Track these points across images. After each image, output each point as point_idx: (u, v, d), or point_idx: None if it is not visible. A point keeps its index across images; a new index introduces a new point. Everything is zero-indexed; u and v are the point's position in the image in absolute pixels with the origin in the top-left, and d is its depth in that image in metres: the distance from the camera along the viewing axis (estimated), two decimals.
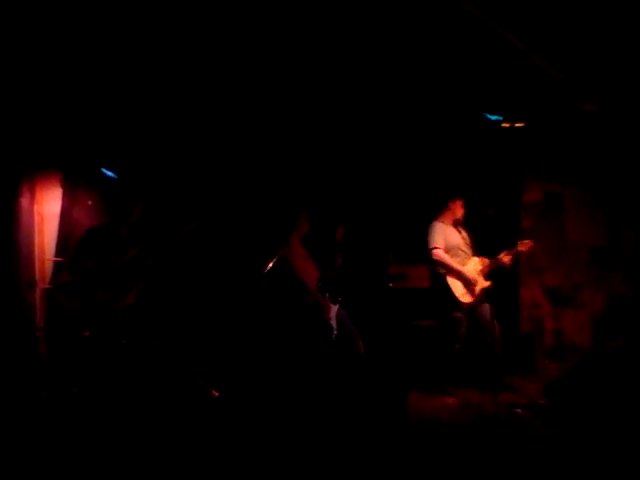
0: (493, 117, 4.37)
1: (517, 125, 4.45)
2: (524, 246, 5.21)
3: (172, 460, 3.57)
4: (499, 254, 5.18)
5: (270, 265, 5.32)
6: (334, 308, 5.15)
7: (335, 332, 5.08)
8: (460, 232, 5.33)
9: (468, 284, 5.12)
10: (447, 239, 5.22)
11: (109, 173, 5.20)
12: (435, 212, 5.43)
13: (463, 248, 5.28)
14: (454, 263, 5.15)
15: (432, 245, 5.20)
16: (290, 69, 5.25)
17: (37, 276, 5.33)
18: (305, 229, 5.32)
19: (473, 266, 5.22)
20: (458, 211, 5.32)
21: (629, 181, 5.67)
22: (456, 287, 5.12)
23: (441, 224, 5.27)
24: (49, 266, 5.22)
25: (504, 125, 4.44)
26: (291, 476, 3.33)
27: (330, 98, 5.65)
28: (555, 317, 6.28)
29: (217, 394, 4.76)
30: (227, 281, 5.91)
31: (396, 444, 3.82)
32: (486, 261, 5.21)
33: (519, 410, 4.55)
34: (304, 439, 3.90)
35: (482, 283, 5.17)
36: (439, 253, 5.17)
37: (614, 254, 5.95)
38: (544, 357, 6.08)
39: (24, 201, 5.37)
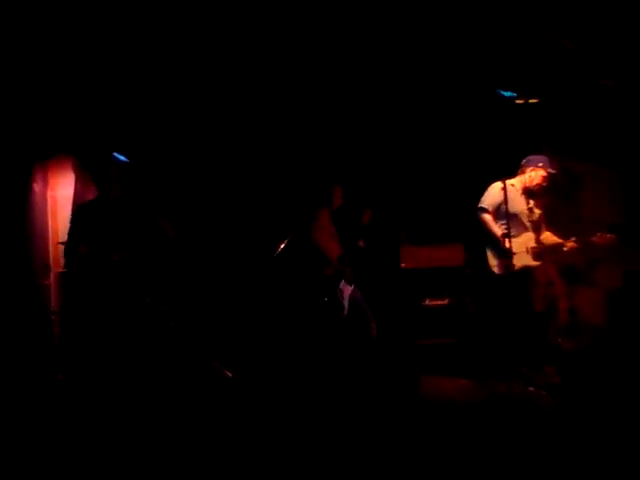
0: (507, 93, 4.28)
1: (531, 101, 4.35)
2: (601, 239, 5.02)
3: (184, 442, 3.60)
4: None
5: (282, 246, 5.32)
6: (348, 288, 5.14)
7: (345, 312, 5.06)
8: (529, 202, 5.00)
9: (502, 255, 4.78)
10: (504, 203, 4.72)
11: (121, 157, 5.20)
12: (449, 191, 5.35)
13: (524, 218, 4.97)
14: (494, 228, 4.87)
15: (480, 204, 4.99)
16: (302, 46, 5.24)
17: (51, 260, 5.39)
18: (337, 203, 5.26)
19: (524, 240, 4.94)
20: (535, 180, 4.98)
21: None
22: (490, 256, 4.96)
23: (500, 185, 4.76)
24: (63, 250, 5.25)
25: (518, 102, 4.34)
26: (302, 456, 3.34)
27: (347, 77, 5.62)
28: (569, 295, 6.22)
29: (231, 375, 4.79)
30: (239, 263, 5.93)
31: (408, 423, 3.83)
32: (551, 239, 4.99)
33: (532, 389, 4.53)
34: (315, 420, 3.92)
35: (524, 260, 4.88)
36: (484, 216, 4.93)
37: (630, 231, 5.86)
38: (558, 336, 6.03)
39: (37, 186, 5.42)
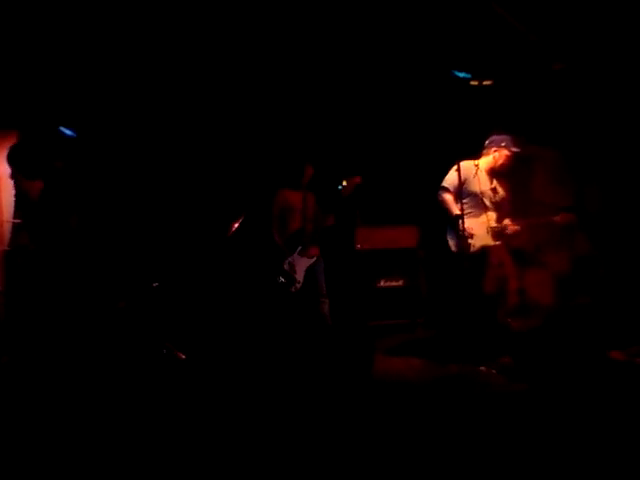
0: (461, 74, 4.29)
1: (485, 83, 4.37)
2: (563, 218, 5.10)
3: (137, 423, 3.54)
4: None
5: (235, 226, 5.28)
6: (305, 261, 5.14)
7: (299, 285, 5.07)
8: (492, 182, 5.00)
9: (461, 237, 4.77)
10: (465, 183, 4.80)
11: (67, 132, 5.02)
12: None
13: (486, 199, 4.95)
14: (452, 207, 4.82)
15: (442, 184, 4.93)
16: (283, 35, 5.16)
17: None
18: (306, 181, 5.29)
19: (484, 220, 4.91)
20: (499, 160, 4.97)
21: (595, 141, 5.69)
22: (449, 235, 4.93)
23: (465, 164, 4.81)
24: (7, 228, 5.05)
25: (472, 83, 4.35)
26: (256, 435, 3.32)
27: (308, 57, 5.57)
28: (519, 277, 6.33)
29: (184, 356, 4.73)
30: (192, 242, 5.84)
31: (361, 403, 3.85)
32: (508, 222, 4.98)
33: (483, 368, 4.61)
34: (268, 397, 3.90)
35: (484, 240, 4.89)
36: (442, 195, 4.88)
37: (578, 214, 5.99)
38: (507, 316, 6.15)
39: None
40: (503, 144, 4.98)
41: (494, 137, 5.06)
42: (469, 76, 4.34)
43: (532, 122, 5.74)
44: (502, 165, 5.00)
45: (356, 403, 3.84)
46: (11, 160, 4.58)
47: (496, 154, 5.01)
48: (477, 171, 4.94)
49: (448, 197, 4.91)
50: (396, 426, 3.41)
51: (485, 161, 5.03)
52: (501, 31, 5.00)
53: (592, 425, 3.34)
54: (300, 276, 5.11)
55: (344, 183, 5.03)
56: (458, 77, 4.28)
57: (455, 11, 5.01)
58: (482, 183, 4.97)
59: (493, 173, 5.02)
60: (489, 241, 4.94)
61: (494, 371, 4.54)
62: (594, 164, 5.72)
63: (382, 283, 5.74)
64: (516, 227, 5.03)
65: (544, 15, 4.84)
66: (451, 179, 4.91)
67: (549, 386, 4.06)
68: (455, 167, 4.84)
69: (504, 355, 4.77)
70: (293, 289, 5.09)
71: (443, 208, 4.93)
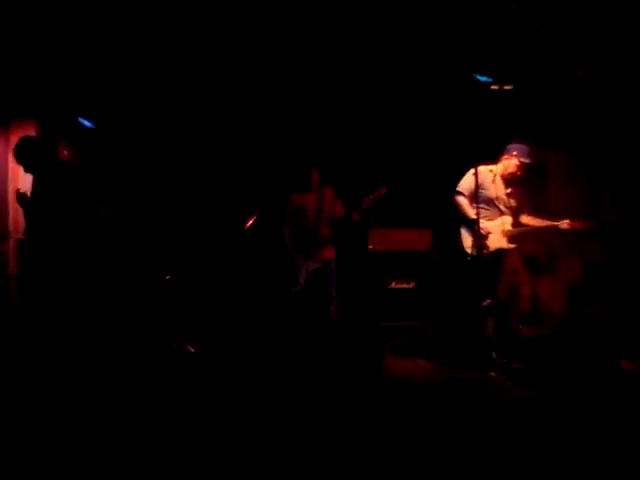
0: (482, 78, 4.27)
1: (506, 88, 4.35)
2: (580, 224, 4.97)
3: (144, 414, 3.55)
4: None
5: (250, 222, 5.30)
6: (309, 264, 5.20)
7: (299, 286, 5.17)
8: (507, 188, 4.99)
9: (478, 238, 4.80)
10: (481, 188, 4.81)
11: (86, 122, 5.05)
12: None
13: (499, 204, 4.96)
14: (468, 210, 4.85)
15: (457, 188, 4.94)
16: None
17: (10, 226, 5.22)
18: (315, 184, 5.37)
19: (500, 223, 4.93)
20: (508, 169, 4.96)
21: (612, 150, 5.66)
22: (465, 237, 4.94)
23: (481, 170, 4.84)
24: (23, 216, 5.09)
25: (493, 87, 4.34)
26: (261, 432, 3.32)
27: (321, 60, 5.57)
28: (532, 284, 6.31)
29: (193, 350, 4.74)
30: (205, 237, 5.86)
31: (370, 403, 3.84)
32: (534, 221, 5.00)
33: (493, 373, 4.60)
34: (275, 396, 3.90)
35: (499, 242, 4.90)
36: (459, 199, 4.90)
37: (593, 221, 5.96)
38: (519, 323, 6.12)
39: None
40: (515, 153, 4.97)
41: (511, 145, 5.06)
42: (490, 80, 4.31)
43: (550, 128, 5.71)
44: (510, 174, 4.99)
45: (363, 403, 3.83)
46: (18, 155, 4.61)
47: (506, 162, 5.00)
48: (494, 177, 4.96)
49: (463, 200, 4.92)
50: (401, 428, 3.40)
51: (499, 167, 5.04)
52: (524, 35, 4.97)
53: (599, 433, 3.32)
54: (302, 278, 5.18)
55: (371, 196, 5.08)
56: (479, 81, 4.26)
57: (478, 14, 4.99)
58: (498, 188, 4.97)
59: (504, 180, 5.01)
60: (503, 244, 4.92)
61: (504, 377, 4.52)
62: (611, 172, 5.69)
63: (394, 284, 5.73)
64: (532, 222, 5.00)
65: (567, 21, 4.81)
66: (467, 184, 4.92)
67: (558, 394, 4.04)
68: (471, 172, 4.84)
69: (514, 361, 4.75)
70: (293, 289, 5.15)
71: (459, 212, 4.93)
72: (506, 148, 5.05)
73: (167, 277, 5.03)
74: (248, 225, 5.39)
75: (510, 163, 4.98)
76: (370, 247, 5.81)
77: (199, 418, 3.51)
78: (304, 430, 3.35)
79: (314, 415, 3.59)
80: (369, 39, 5.41)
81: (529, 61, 5.19)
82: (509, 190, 5.00)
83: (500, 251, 4.91)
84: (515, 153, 4.97)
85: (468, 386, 4.21)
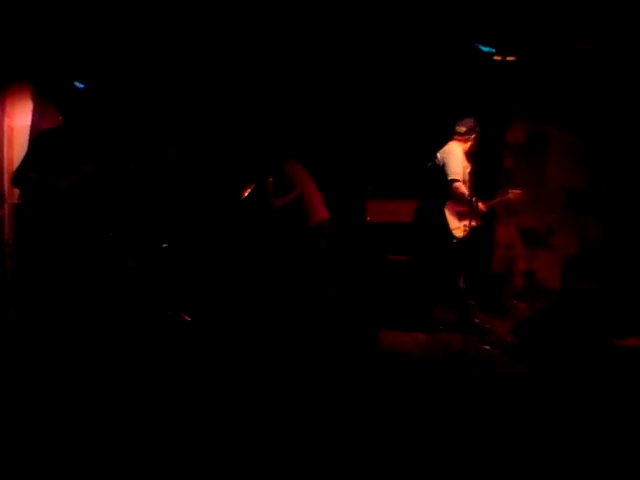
0: (485, 49, 4.21)
1: (509, 59, 4.30)
2: (514, 195, 5.08)
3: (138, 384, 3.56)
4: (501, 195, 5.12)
5: (247, 192, 5.27)
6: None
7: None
8: (468, 165, 5.03)
9: (465, 219, 4.85)
10: (464, 170, 4.90)
11: (81, 86, 4.97)
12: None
13: (467, 182, 4.97)
14: (466, 192, 4.85)
15: (454, 177, 4.91)
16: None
17: (6, 191, 5.18)
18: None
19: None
20: (472, 143, 5.01)
21: (615, 125, 5.61)
22: (452, 220, 4.98)
23: (460, 150, 4.93)
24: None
25: (496, 58, 4.28)
26: (257, 407, 3.33)
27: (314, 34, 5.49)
28: (528, 258, 6.31)
29: (189, 318, 4.75)
30: (203, 207, 5.84)
31: (366, 376, 3.86)
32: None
33: (487, 347, 4.62)
34: (270, 370, 3.91)
35: (476, 221, 4.95)
36: (461, 187, 4.88)
37: (591, 198, 5.94)
38: (514, 297, 6.15)
39: None
40: (477, 129, 4.98)
41: (466, 120, 5.04)
42: (493, 50, 4.26)
43: (553, 101, 5.65)
44: (472, 149, 5.01)
45: (360, 377, 3.84)
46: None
47: (471, 136, 5.01)
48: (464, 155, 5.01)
49: (461, 185, 4.91)
50: (393, 403, 3.42)
51: (466, 146, 5.04)
52: (528, 6, 4.89)
53: (592, 408, 3.34)
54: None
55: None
56: (482, 51, 4.20)
57: None
58: (465, 168, 5.01)
59: (469, 156, 5.03)
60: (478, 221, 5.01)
61: (498, 351, 4.55)
62: (613, 148, 5.65)
63: (391, 256, 5.71)
64: (517, 192, 5.07)
65: None
66: (458, 168, 4.93)
67: (551, 368, 4.07)
68: (458, 156, 4.91)
69: (509, 336, 4.78)
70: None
71: (458, 195, 4.90)
72: (469, 126, 5.01)
73: (164, 245, 5.01)
74: (244, 194, 5.37)
75: (472, 139, 5.00)
76: (367, 218, 5.79)
77: (195, 387, 3.52)
78: (298, 403, 3.36)
79: (308, 388, 3.61)
80: (370, 9, 5.34)
81: (533, 32, 5.11)
82: (469, 168, 5.02)
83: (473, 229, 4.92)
84: (478, 129, 4.97)
85: (462, 359, 4.23)
